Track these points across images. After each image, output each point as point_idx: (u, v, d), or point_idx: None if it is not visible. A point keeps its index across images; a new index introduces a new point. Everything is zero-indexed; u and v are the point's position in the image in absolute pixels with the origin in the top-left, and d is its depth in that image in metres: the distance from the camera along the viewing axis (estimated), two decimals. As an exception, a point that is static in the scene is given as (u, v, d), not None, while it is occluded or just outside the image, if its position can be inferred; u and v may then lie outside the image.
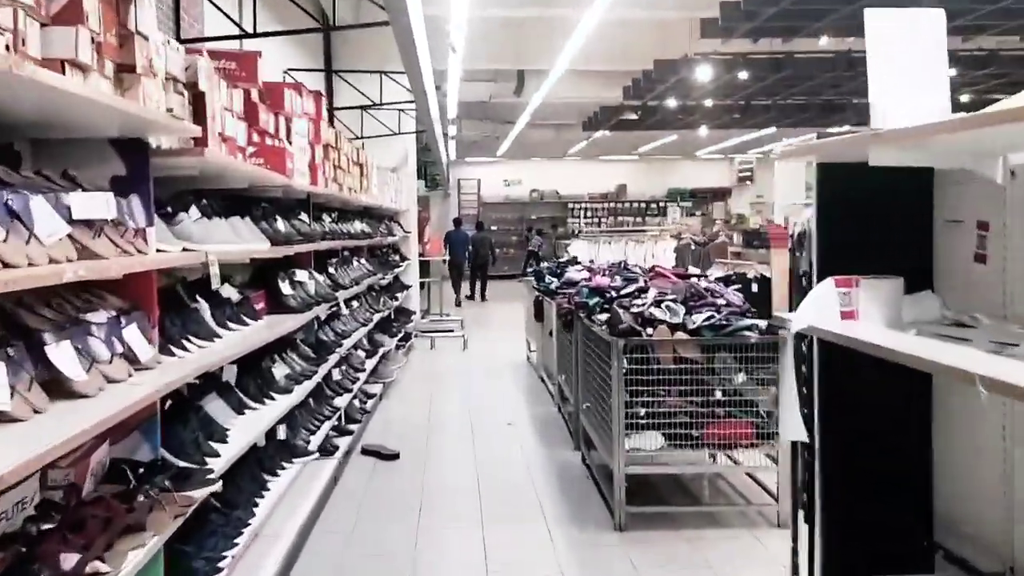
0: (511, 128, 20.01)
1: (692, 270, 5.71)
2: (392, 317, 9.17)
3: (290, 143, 4.43)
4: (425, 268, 14.22)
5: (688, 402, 4.52)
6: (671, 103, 13.99)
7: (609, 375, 4.65)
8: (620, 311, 4.64)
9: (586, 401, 5.58)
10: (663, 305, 4.64)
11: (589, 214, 27.06)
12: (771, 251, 8.77)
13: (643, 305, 4.71)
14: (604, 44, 12.25)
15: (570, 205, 27.34)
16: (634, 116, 15.12)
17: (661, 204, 27.53)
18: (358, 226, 7.06)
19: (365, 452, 6.14)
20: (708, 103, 13.99)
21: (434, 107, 9.88)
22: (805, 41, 9.87)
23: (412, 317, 11.07)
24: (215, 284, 2.69)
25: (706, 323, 4.48)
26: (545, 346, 8.40)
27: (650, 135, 21.71)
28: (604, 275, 6.67)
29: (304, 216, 5.07)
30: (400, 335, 9.31)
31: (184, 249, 2.77)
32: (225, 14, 5.65)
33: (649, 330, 4.53)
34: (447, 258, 16.10)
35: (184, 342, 2.82)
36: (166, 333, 2.75)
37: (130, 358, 2.36)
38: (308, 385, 4.46)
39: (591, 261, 9.25)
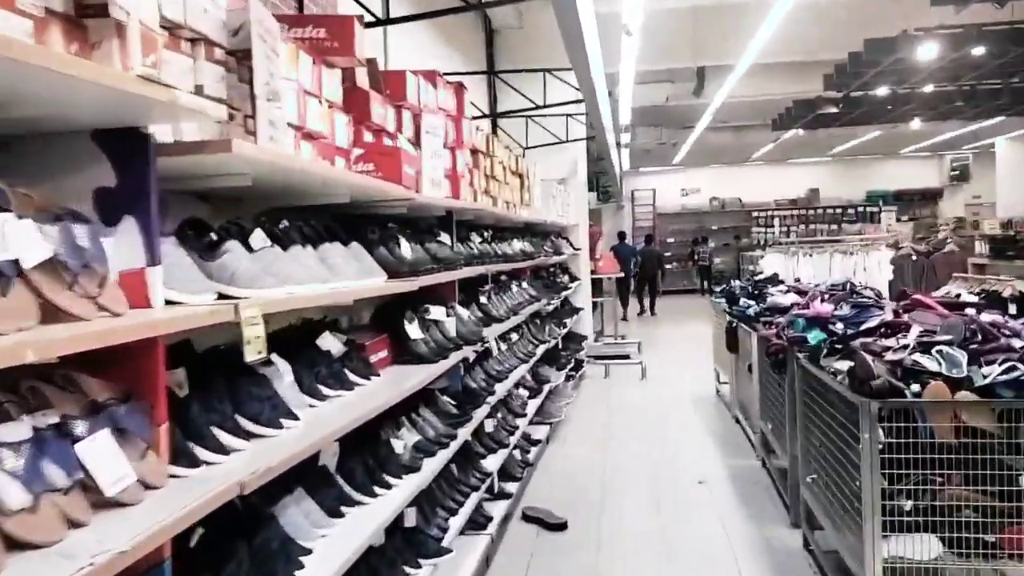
0: (689, 133, 18.55)
1: (967, 297, 4.23)
2: (560, 346, 8.11)
3: (418, 146, 3.47)
4: (598, 287, 13.11)
5: (977, 492, 3.10)
6: (881, 91, 12.08)
7: (852, 446, 3.33)
8: (868, 357, 3.29)
9: (811, 472, 4.23)
10: (934, 350, 3.25)
11: (776, 222, 24.90)
12: None
13: (901, 349, 3.34)
14: (796, 30, 10.69)
15: (754, 213, 25.31)
16: (834, 109, 13.27)
17: (859, 209, 24.89)
18: (517, 246, 6.06)
19: (527, 518, 5.09)
20: (928, 88, 11.95)
21: (605, 108, 8.78)
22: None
23: (583, 343, 9.97)
24: (249, 356, 1.71)
25: (1005, 378, 3.06)
26: (741, 382, 7.02)
27: (848, 133, 19.46)
28: (822, 299, 5.27)
29: (445, 237, 4.11)
30: (570, 365, 8.23)
31: (220, 296, 1.82)
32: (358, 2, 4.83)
33: (916, 387, 3.15)
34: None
35: (222, 437, 1.85)
36: (191, 426, 1.80)
37: (88, 486, 1.42)
38: (446, 454, 3.46)
39: (797, 280, 7.76)
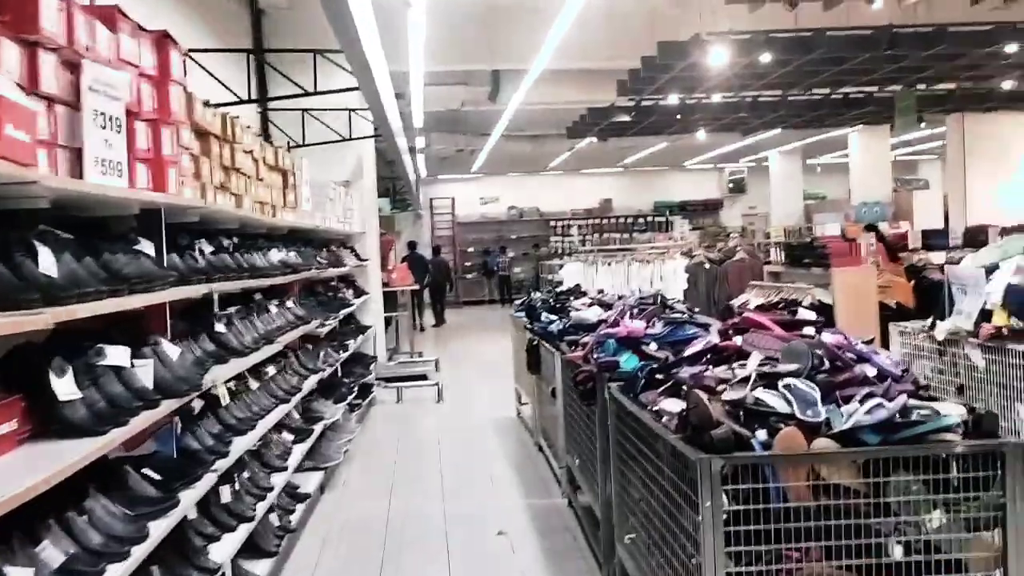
0: (486, 140, 18.02)
1: (805, 314, 3.65)
2: (339, 374, 7.01)
3: (78, 109, 2.33)
4: (392, 300, 12.10)
5: (842, 569, 2.42)
6: (672, 100, 12.02)
7: (682, 508, 2.57)
8: (703, 396, 2.55)
9: (629, 529, 3.47)
10: (780, 385, 2.55)
11: (574, 231, 25.06)
12: (832, 271, 6.81)
13: (740, 384, 2.62)
14: (591, 36, 10.34)
15: (552, 223, 25.33)
16: (627, 118, 13.14)
17: (649, 218, 25.63)
18: (276, 256, 4.93)
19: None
20: (716, 98, 12.04)
21: (390, 102, 7.81)
22: (853, 10, 7.95)
23: (372, 365, 8.92)
24: None
25: (870, 419, 2.40)
26: (545, 408, 6.29)
27: (638, 144, 19.79)
28: (632, 315, 4.60)
29: (147, 245, 2.96)
30: (352, 394, 7.15)
31: None
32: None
33: (763, 434, 2.44)
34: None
35: None
36: None
37: None
38: (130, 563, 2.33)
39: (601, 292, 7.19)
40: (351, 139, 9.03)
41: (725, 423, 2.43)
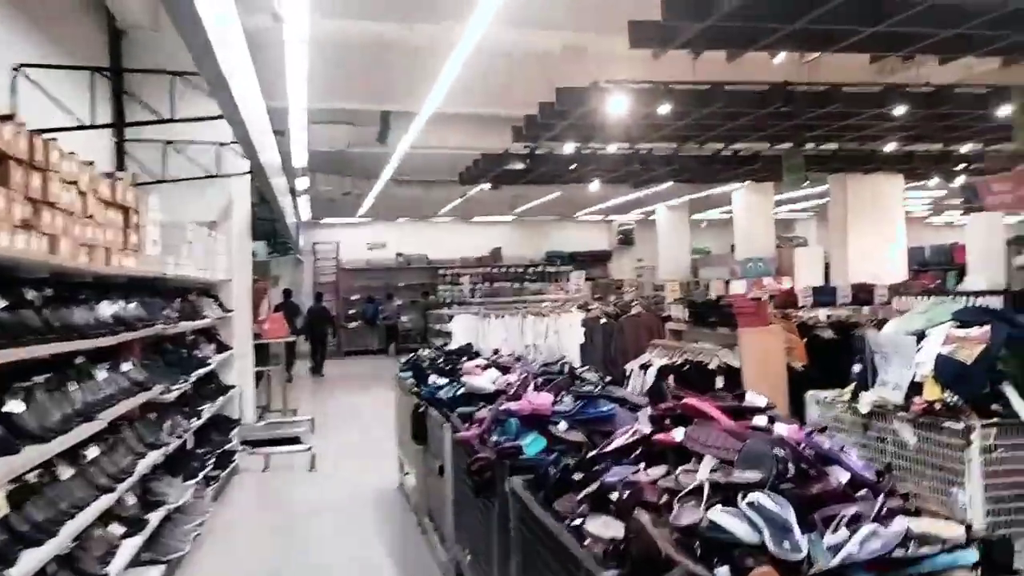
0: (374, 184, 17.28)
1: (753, 399, 3.08)
2: (190, 445, 6.04)
3: None
4: (264, 353, 11.08)
5: None
6: (568, 148, 11.70)
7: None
8: (644, 521, 1.92)
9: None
10: (743, 503, 1.96)
11: (464, 280, 24.49)
12: (739, 331, 6.43)
13: (692, 499, 2.02)
14: (485, 79, 9.91)
15: (441, 270, 24.69)
16: (521, 165, 12.74)
17: (539, 268, 25.38)
18: (107, 311, 4.05)
19: None
20: (611, 148, 11.80)
21: (261, 136, 7.03)
22: (751, 63, 7.77)
23: (235, 429, 7.92)
24: None
25: (865, 556, 1.83)
26: (430, 484, 5.54)
27: (530, 193, 19.51)
28: (536, 385, 3.97)
29: None
30: (207, 468, 6.18)
31: None
32: None
33: (724, 571, 1.83)
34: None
35: None
36: None
37: None
38: None
39: (496, 352, 6.53)
40: (217, 176, 8.13)
41: (679, 561, 1.80)
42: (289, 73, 7.42)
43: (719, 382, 6.15)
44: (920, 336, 4.48)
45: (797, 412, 6.30)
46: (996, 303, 6.67)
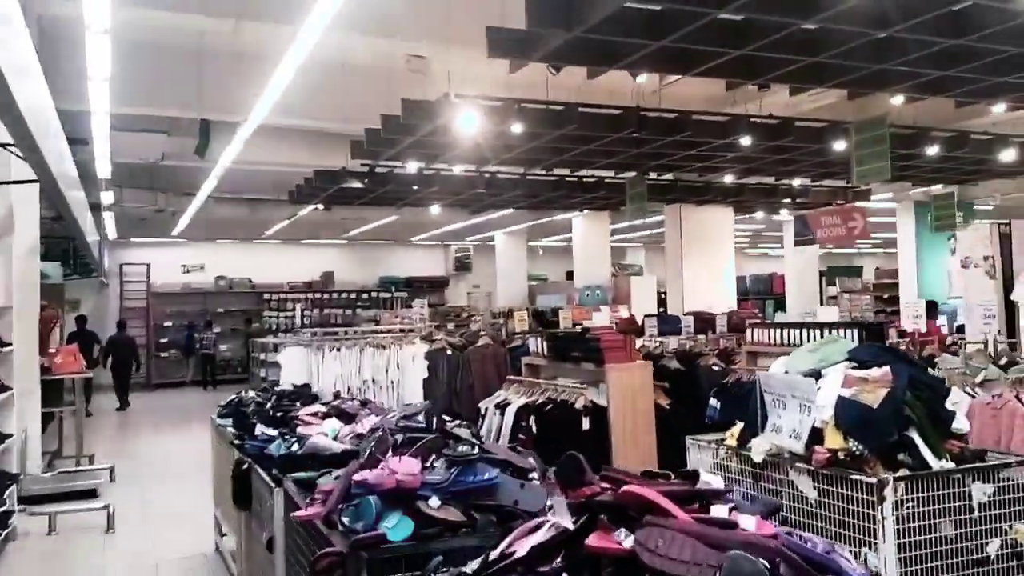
0: (192, 200, 15.76)
1: (709, 479, 2.46)
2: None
3: None
4: (55, 391, 9.53)
5: None
6: (410, 168, 11.00)
7: None
8: None
9: None
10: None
11: (296, 307, 23.02)
12: (606, 367, 5.93)
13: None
14: (320, 90, 9.10)
15: (266, 295, 23.11)
16: (359, 184, 11.88)
17: (373, 294, 24.37)
18: None
19: None
20: (457, 169, 11.22)
21: (49, 141, 5.85)
22: (609, 91, 7.45)
23: (9, 488, 6.53)
24: None
25: None
26: (254, 557, 4.59)
27: (366, 216, 18.60)
28: (397, 446, 3.22)
29: None
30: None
31: None
32: None
33: None
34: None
35: None
36: None
37: None
38: None
39: (336, 396, 5.66)
40: (-5, 183, 6.78)
41: None
42: (89, 69, 6.29)
43: (585, 423, 5.65)
44: (816, 377, 4.12)
45: (666, 454, 5.92)
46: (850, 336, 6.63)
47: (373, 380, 9.19)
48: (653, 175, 12.25)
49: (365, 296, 24.25)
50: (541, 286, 23.34)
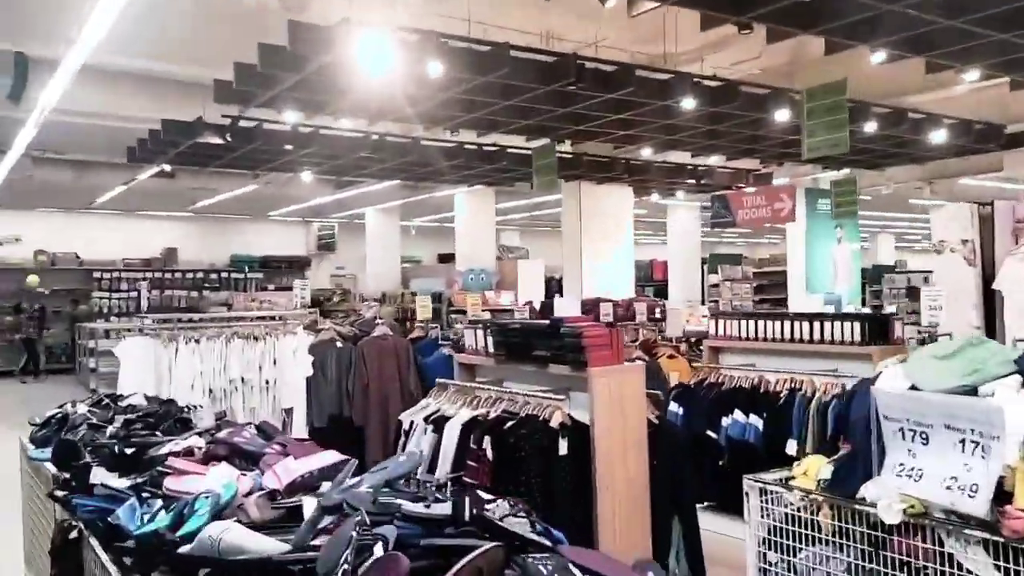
0: (3, 160, 12.98)
1: None
2: None
3: None
4: None
5: None
6: (286, 118, 9.11)
7: None
8: None
9: None
10: None
11: (124, 286, 20.20)
12: (590, 372, 4.46)
13: None
14: (169, 25, 7.23)
15: (97, 274, 20.14)
16: (218, 140, 9.84)
17: (224, 274, 21.86)
18: None
19: None
20: (344, 123, 9.43)
21: None
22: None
23: None
24: None
25: None
26: None
27: (216, 187, 16.26)
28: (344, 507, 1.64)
29: None
30: None
31: None
32: None
33: None
34: None
35: None
36: None
37: None
38: None
39: (221, 417, 3.91)
40: None
41: None
42: None
43: (563, 447, 4.20)
44: (965, 393, 2.86)
45: (659, 486, 4.56)
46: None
47: (243, 380, 7.36)
48: (560, 148, 10.95)
49: (214, 277, 21.71)
50: (415, 269, 21.66)
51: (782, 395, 5.52)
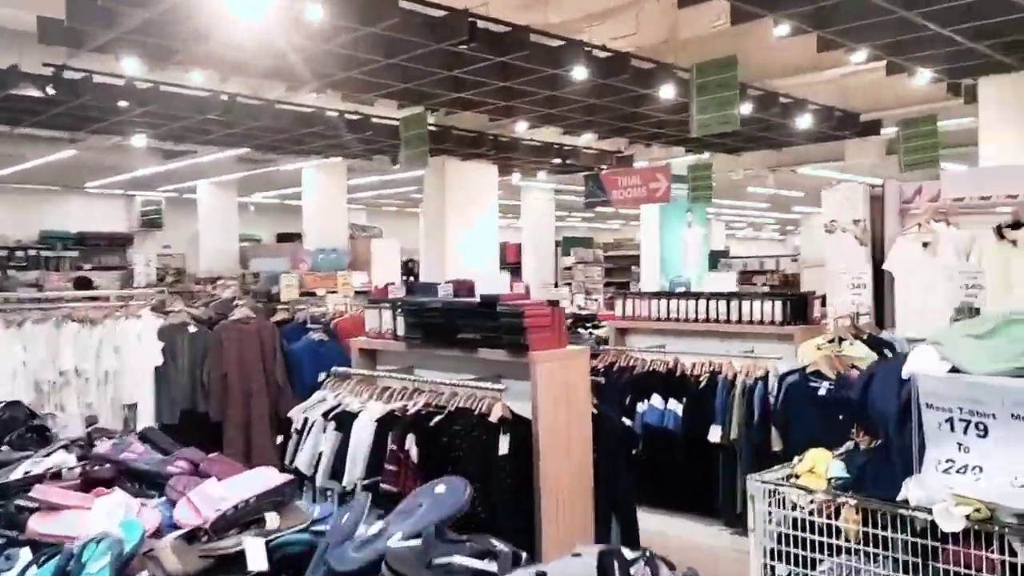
0: None
1: None
2: None
3: None
4: None
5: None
6: (125, 67, 7.84)
7: None
8: None
9: None
10: None
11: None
12: (532, 356, 3.83)
13: None
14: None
15: None
16: (37, 93, 8.38)
17: (33, 252, 19.42)
18: None
19: None
20: (196, 77, 8.25)
21: None
22: None
23: None
24: None
25: None
26: None
27: (22, 152, 14.25)
28: None
29: None
30: None
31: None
32: None
33: None
34: None
35: None
36: None
37: None
38: None
39: (91, 424, 3.01)
40: None
41: None
42: None
43: (503, 445, 3.63)
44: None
45: (605, 481, 4.08)
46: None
47: (77, 371, 6.22)
48: (432, 119, 10.30)
49: (21, 255, 19.23)
50: (255, 248, 20.18)
51: (702, 379, 5.23)
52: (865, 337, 4.79)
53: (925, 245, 6.29)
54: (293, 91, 8.90)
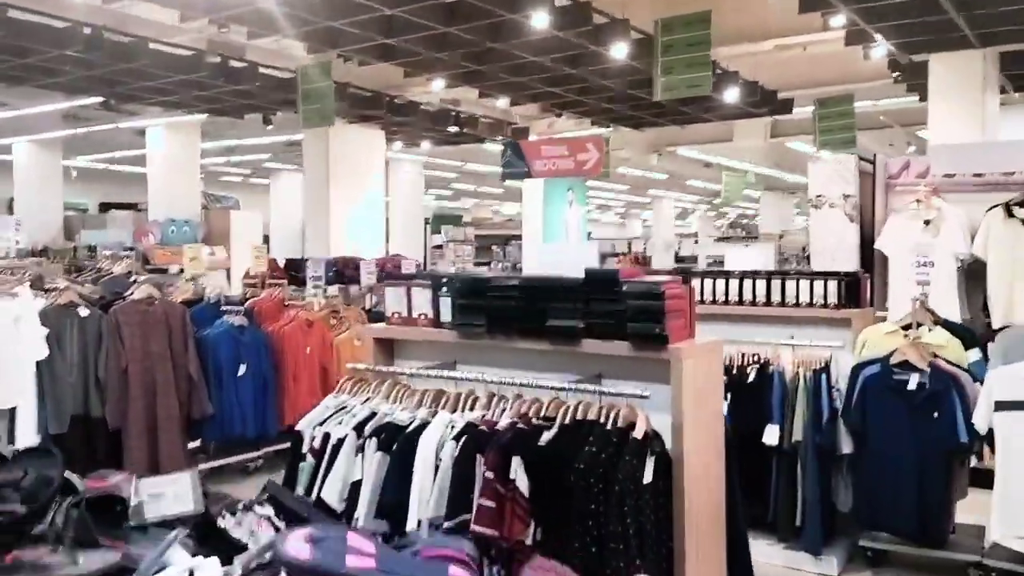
0: None
1: None
2: None
3: None
4: None
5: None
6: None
7: None
8: None
9: None
10: None
11: None
12: (671, 349, 2.79)
13: None
14: None
15: None
16: None
17: None
18: None
19: None
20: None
21: None
22: None
23: None
24: None
25: None
26: None
27: None
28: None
29: None
30: None
31: None
32: None
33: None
34: None
35: None
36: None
37: None
38: None
39: None
40: None
41: None
42: None
43: (648, 471, 2.70)
44: None
45: (736, 505, 3.20)
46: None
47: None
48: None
49: None
50: (84, 218, 17.57)
51: (749, 371, 4.52)
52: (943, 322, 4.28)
53: (927, 223, 5.95)
54: (180, 22, 7.34)
